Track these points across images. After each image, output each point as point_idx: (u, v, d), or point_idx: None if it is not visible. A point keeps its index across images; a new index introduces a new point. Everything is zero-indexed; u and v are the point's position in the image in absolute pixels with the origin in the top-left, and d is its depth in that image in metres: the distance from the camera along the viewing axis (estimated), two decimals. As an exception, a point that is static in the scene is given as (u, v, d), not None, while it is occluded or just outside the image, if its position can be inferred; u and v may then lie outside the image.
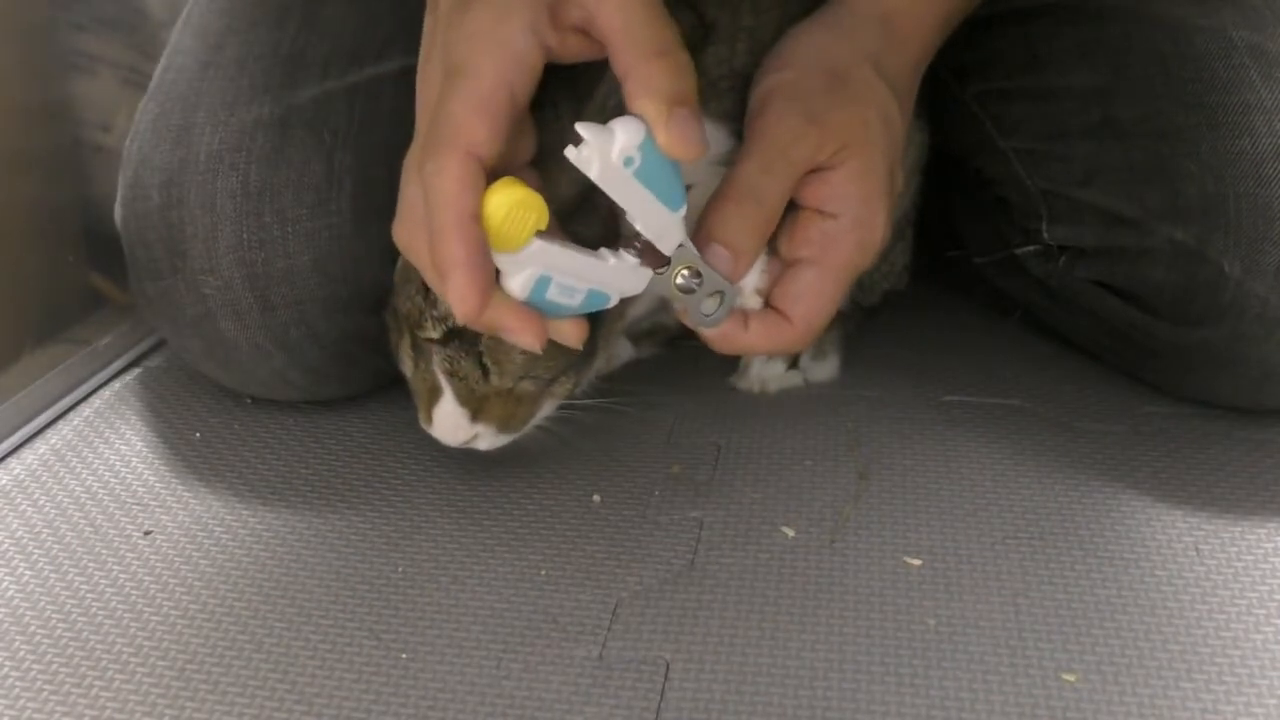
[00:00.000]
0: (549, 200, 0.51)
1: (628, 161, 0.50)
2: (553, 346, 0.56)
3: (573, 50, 0.53)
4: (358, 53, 0.70)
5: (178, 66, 0.71)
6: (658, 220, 0.53)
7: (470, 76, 0.51)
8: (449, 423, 0.61)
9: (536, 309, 0.53)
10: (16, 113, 0.78)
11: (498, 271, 0.52)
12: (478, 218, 0.50)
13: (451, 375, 0.61)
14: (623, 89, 0.51)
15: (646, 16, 0.51)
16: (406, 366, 0.63)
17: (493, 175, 0.51)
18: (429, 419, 0.62)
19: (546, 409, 0.64)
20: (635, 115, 0.51)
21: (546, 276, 0.52)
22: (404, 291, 0.61)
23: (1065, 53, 0.72)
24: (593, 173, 0.50)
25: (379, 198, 0.68)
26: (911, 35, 0.62)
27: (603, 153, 0.50)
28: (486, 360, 0.60)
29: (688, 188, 0.57)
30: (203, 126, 0.68)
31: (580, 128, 0.50)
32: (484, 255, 0.50)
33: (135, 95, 0.73)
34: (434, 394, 0.62)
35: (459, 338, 0.60)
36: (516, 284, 0.52)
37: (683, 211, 0.53)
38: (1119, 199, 0.69)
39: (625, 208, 0.52)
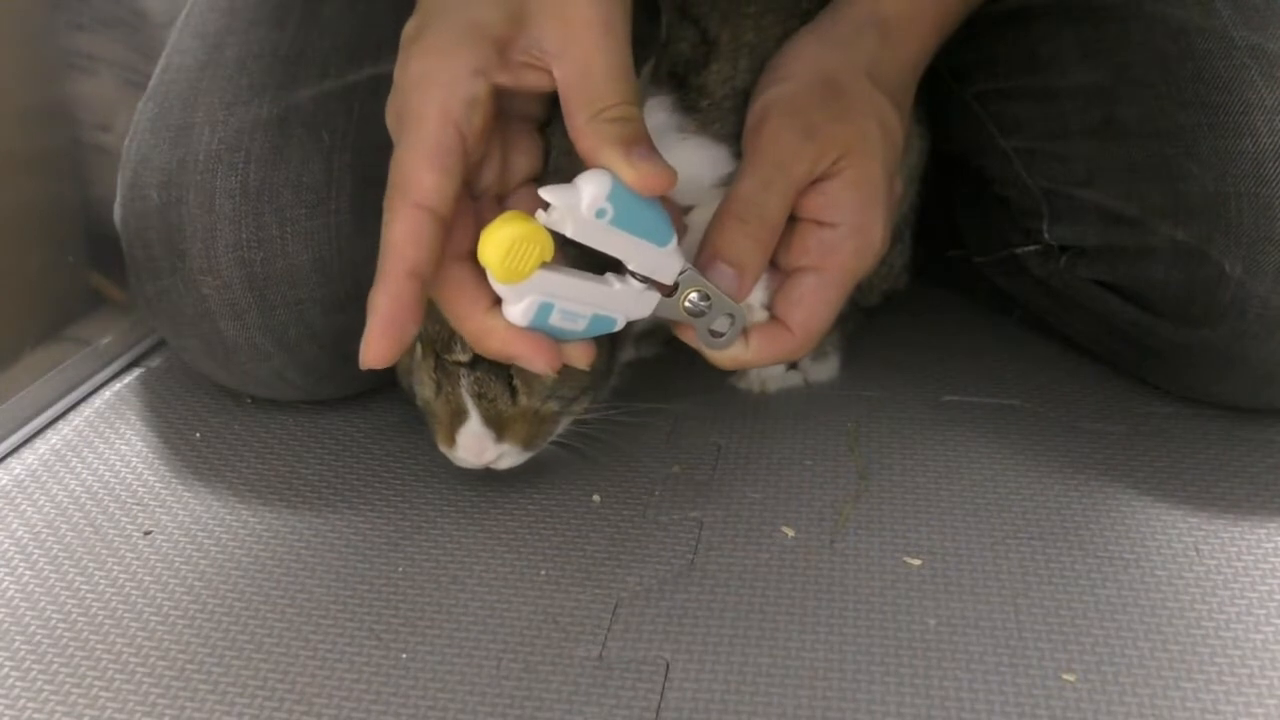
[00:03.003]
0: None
1: (600, 213, 0.50)
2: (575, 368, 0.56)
3: (530, 83, 0.52)
4: (357, 53, 0.70)
5: (177, 66, 0.71)
6: (649, 259, 0.52)
7: (415, 124, 0.51)
8: (475, 444, 0.61)
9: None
10: (16, 113, 0.77)
11: (499, 299, 0.52)
12: (415, 273, 0.50)
13: (480, 397, 0.61)
14: (578, 150, 0.51)
15: (605, 72, 0.50)
16: (427, 390, 0.62)
17: (499, 205, 0.52)
18: (451, 441, 0.62)
19: (564, 425, 0.64)
20: (599, 168, 0.50)
21: (549, 304, 0.52)
22: (430, 315, 0.60)
23: (1065, 52, 0.72)
24: (568, 231, 0.50)
25: (378, 197, 0.68)
26: (908, 39, 0.62)
27: (573, 210, 0.50)
28: (516, 382, 0.61)
29: (689, 209, 0.57)
30: (201, 126, 0.68)
31: (544, 192, 0.50)
32: (407, 312, 0.50)
33: (135, 95, 0.73)
34: (458, 417, 0.61)
35: (488, 360, 0.59)
36: (517, 311, 0.52)
37: (674, 244, 0.53)
38: (1120, 198, 0.69)
39: (612, 255, 0.52)
